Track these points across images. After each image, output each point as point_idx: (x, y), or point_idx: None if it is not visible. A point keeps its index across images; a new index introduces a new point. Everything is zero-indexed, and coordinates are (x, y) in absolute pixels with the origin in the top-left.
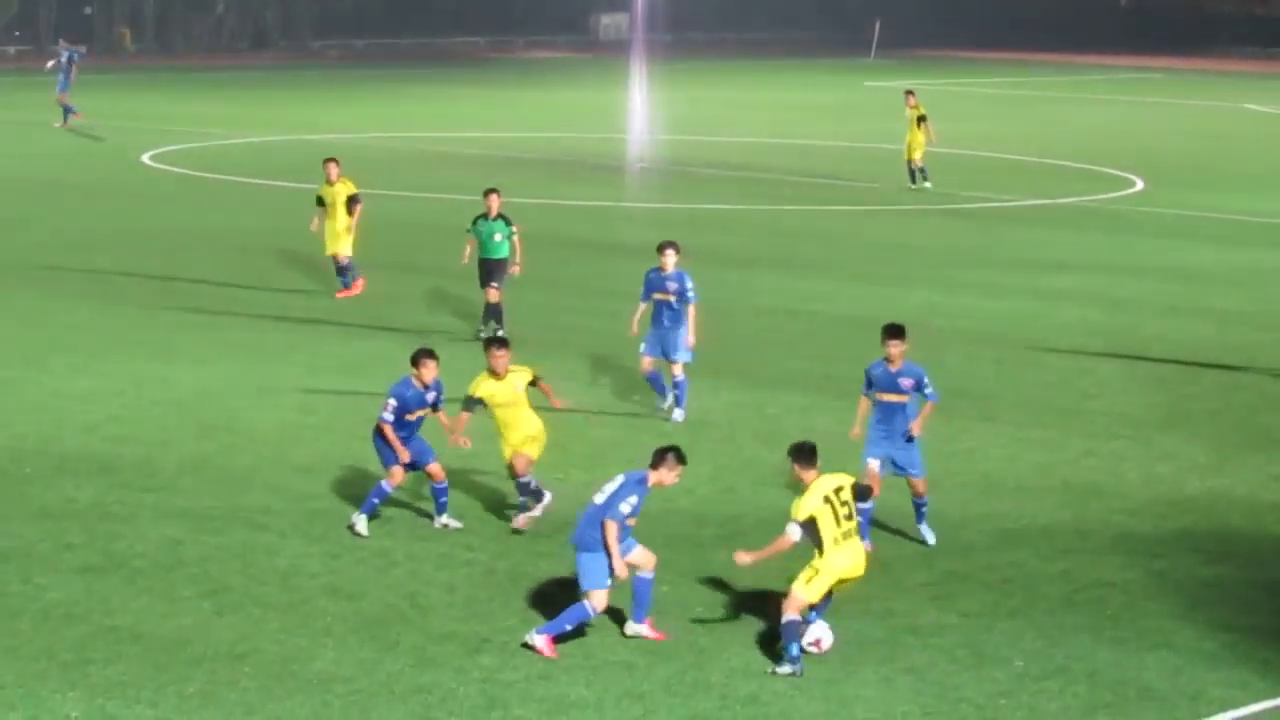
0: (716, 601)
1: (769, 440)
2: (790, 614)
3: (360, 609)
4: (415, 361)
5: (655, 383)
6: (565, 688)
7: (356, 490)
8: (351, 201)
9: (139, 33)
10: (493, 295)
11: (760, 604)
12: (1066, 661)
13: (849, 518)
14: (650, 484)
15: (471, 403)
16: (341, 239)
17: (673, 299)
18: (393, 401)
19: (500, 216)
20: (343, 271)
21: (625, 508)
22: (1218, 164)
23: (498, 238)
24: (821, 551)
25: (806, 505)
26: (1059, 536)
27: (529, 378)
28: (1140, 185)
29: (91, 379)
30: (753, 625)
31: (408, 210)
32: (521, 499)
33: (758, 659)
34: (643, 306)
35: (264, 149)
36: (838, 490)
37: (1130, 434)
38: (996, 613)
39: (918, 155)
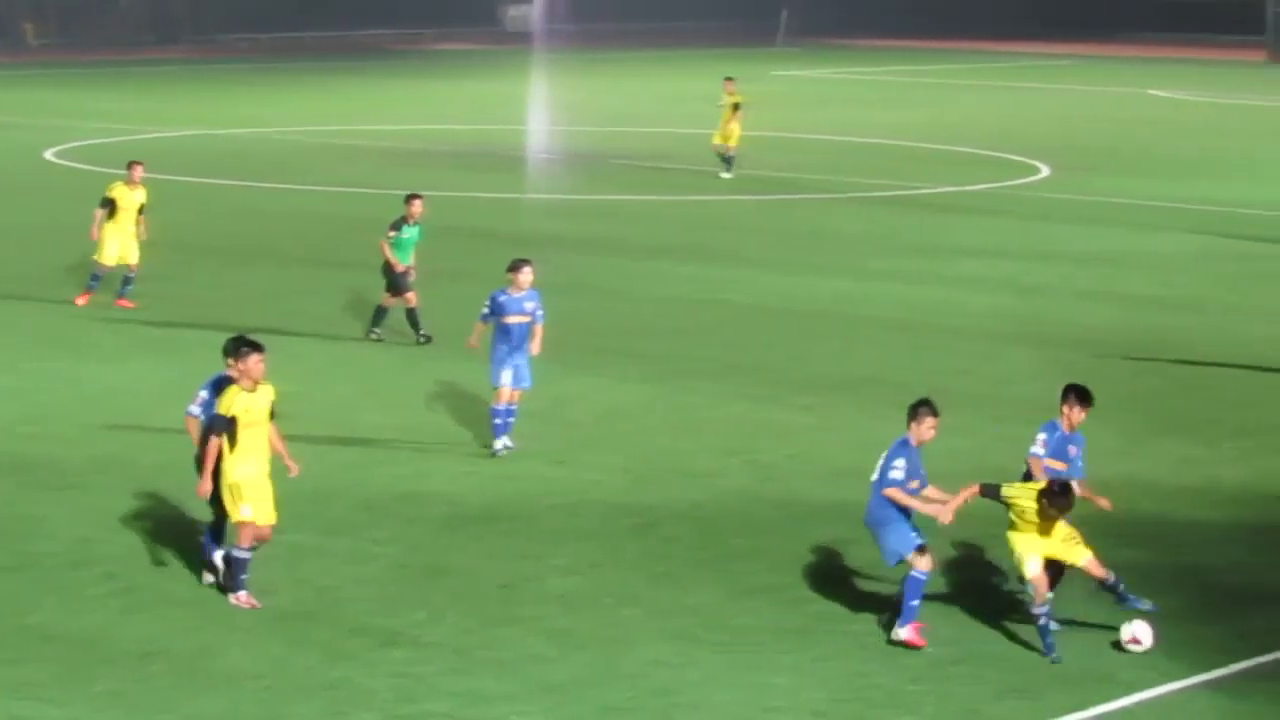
0: (629, 593)
1: (681, 430)
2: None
3: (270, 604)
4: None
5: (503, 415)
6: (477, 681)
7: None
8: (141, 210)
9: (42, 27)
10: (414, 299)
11: (672, 594)
12: (977, 646)
13: None
14: (913, 442)
15: (224, 424)
16: (133, 247)
17: (528, 320)
18: (204, 394)
19: (418, 223)
20: (130, 280)
21: (896, 473)
22: (1122, 149)
23: (403, 266)
24: None
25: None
26: (970, 522)
27: (273, 396)
28: (1045, 171)
29: (0, 378)
30: (665, 617)
31: (317, 204)
32: (240, 576)
33: (669, 650)
34: (481, 327)
35: (172, 144)
36: None
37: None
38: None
39: (733, 143)
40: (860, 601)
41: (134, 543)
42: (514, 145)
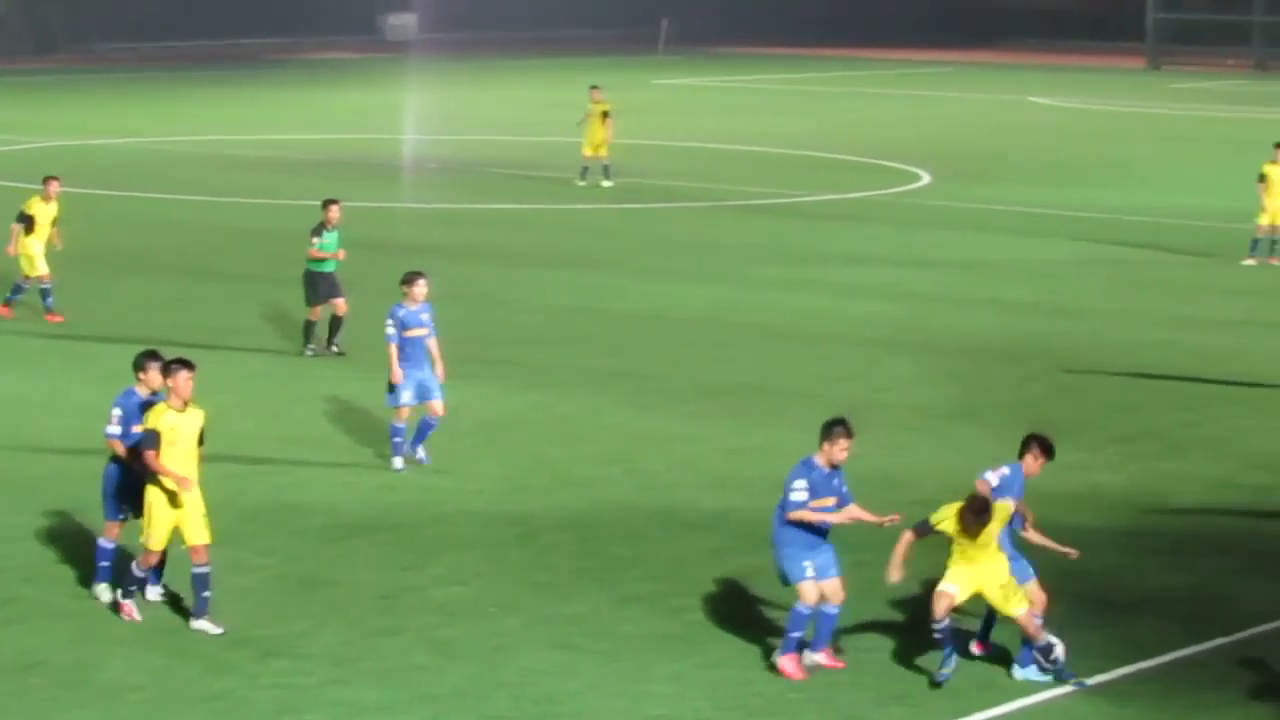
0: (511, 602)
1: (561, 439)
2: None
3: (151, 616)
4: (140, 366)
5: (403, 434)
6: (359, 691)
7: None
8: (54, 222)
9: None
10: (343, 307)
11: (554, 603)
12: (858, 654)
13: None
14: (820, 463)
15: (154, 441)
16: (42, 260)
17: (425, 333)
18: (118, 411)
19: (335, 228)
20: (19, 290)
21: (797, 494)
22: (1003, 156)
23: (339, 251)
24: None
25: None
26: (851, 530)
27: (203, 420)
28: (927, 179)
29: None
30: (546, 626)
31: (198, 214)
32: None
33: (551, 658)
34: (395, 350)
35: (52, 154)
36: None
37: (921, 425)
38: (790, 607)
39: (604, 151)
40: (741, 609)
41: (12, 554)
42: (394, 154)
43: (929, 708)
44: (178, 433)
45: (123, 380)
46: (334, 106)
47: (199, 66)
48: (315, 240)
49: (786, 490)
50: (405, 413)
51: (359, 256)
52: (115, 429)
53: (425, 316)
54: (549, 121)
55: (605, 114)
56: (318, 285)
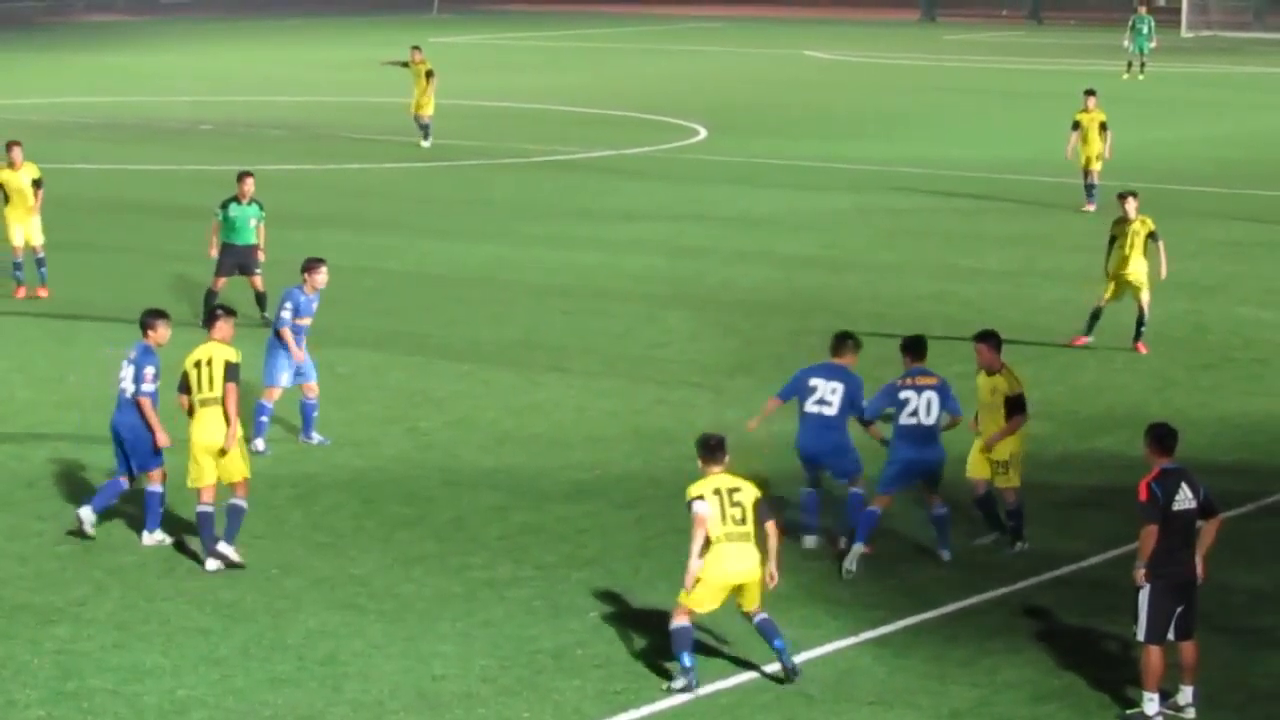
0: (293, 563)
1: (340, 399)
2: (676, 620)
3: None
4: (150, 325)
5: (270, 414)
6: (141, 655)
7: None
8: (36, 185)
9: None
10: (258, 283)
11: (336, 564)
12: (641, 608)
13: (740, 521)
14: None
15: (238, 374)
16: (36, 228)
17: (309, 320)
18: (152, 369)
19: (253, 201)
20: (42, 263)
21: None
22: (779, 110)
23: (252, 223)
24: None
25: (697, 487)
26: (631, 485)
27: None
28: (703, 134)
29: None
30: (329, 587)
31: None
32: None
33: (334, 619)
34: (290, 337)
35: None
36: (732, 490)
37: (699, 380)
38: (571, 563)
39: (427, 111)
40: (523, 566)
41: None
42: (167, 116)
43: (715, 661)
44: None
45: None
46: (107, 69)
47: None
48: (218, 212)
49: (862, 400)
50: (277, 394)
51: (131, 219)
52: (151, 386)
53: (315, 305)
54: (325, 82)
55: (429, 74)
56: (223, 257)
